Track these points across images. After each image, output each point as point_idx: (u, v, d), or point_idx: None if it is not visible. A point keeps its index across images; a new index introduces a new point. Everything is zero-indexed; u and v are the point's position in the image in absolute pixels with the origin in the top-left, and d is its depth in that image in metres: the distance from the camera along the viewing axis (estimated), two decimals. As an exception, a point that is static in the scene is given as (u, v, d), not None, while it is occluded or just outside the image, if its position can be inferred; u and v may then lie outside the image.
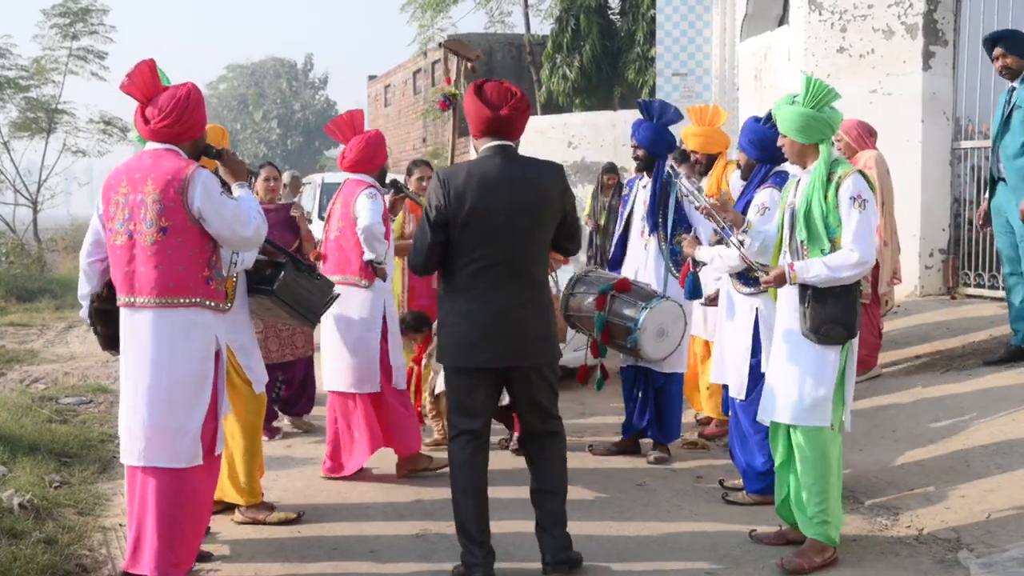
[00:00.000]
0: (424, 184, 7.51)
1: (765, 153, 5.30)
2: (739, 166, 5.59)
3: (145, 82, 4.23)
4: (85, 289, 4.51)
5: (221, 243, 4.23)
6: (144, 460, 4.18)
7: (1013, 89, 6.51)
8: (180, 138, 4.24)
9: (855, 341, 4.48)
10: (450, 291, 4.42)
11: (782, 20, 11.63)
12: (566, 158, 15.37)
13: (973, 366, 6.73)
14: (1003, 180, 6.60)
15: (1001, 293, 7.97)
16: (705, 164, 6.72)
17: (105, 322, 4.45)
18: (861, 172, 4.39)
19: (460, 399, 4.44)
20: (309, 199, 15.12)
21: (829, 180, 4.35)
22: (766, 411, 4.64)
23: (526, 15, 24.61)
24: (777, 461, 4.67)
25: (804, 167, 4.51)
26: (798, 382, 4.46)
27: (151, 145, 4.25)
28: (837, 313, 4.33)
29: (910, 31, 8.88)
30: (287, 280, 4.75)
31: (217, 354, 4.28)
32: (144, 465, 4.19)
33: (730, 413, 5.55)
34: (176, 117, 4.19)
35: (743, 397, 5.29)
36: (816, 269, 4.33)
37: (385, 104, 31.56)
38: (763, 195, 5.23)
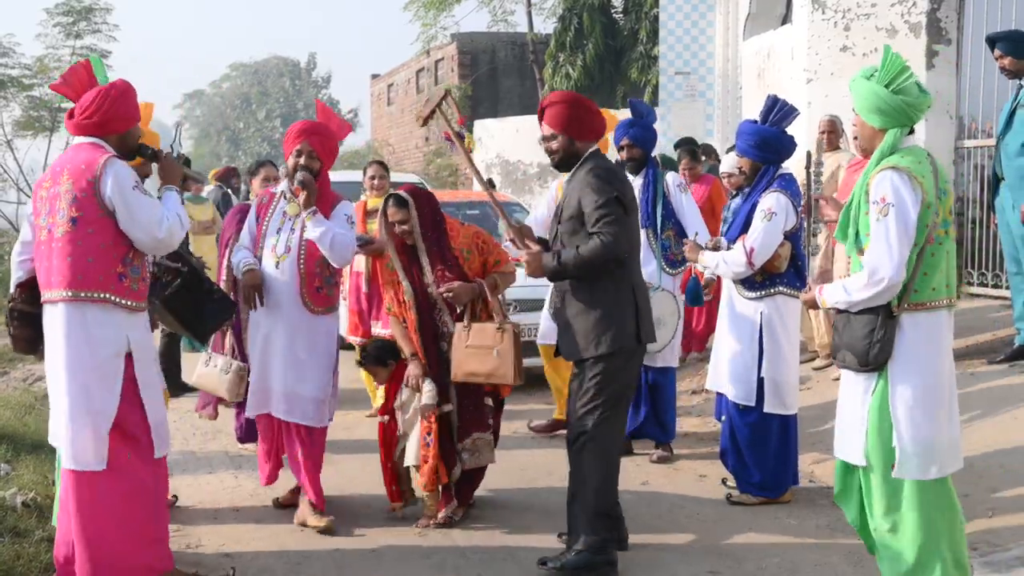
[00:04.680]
0: (376, 183, 7.35)
1: (769, 154, 5.21)
2: (740, 172, 5.44)
3: (80, 82, 4.16)
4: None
5: (132, 240, 4.05)
6: (63, 459, 4.06)
7: (1021, 87, 6.46)
8: (103, 129, 4.12)
9: (907, 369, 3.67)
10: (623, 276, 4.43)
11: (785, 19, 11.62)
12: (569, 157, 15.27)
13: (977, 365, 6.72)
14: (1004, 179, 6.57)
15: (1005, 292, 7.96)
16: None
17: (23, 323, 4.30)
18: (901, 169, 3.64)
19: (632, 380, 4.57)
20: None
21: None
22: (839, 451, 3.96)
23: (529, 14, 24.61)
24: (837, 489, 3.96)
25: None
26: (839, 410, 3.91)
27: (76, 140, 4.17)
28: (847, 338, 3.73)
29: (913, 30, 8.86)
30: (178, 292, 4.58)
31: (129, 355, 4.06)
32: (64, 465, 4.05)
33: (723, 419, 5.48)
34: (96, 107, 4.08)
35: (752, 403, 5.24)
36: (836, 294, 3.75)
37: (388, 103, 31.55)
38: (770, 199, 5.14)
